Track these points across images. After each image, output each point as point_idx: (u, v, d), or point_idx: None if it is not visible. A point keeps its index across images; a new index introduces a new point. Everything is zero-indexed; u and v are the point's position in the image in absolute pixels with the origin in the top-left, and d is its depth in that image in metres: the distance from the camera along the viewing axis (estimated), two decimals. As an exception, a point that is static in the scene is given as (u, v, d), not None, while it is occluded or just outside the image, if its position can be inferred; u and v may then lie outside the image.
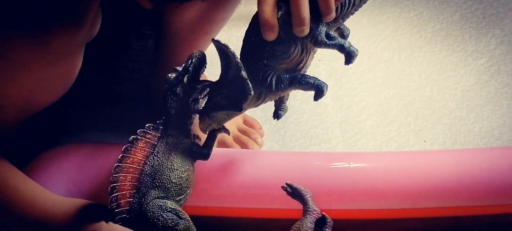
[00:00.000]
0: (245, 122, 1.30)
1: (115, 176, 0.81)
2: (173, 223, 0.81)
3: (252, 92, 0.82)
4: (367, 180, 0.95)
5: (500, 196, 0.96)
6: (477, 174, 0.96)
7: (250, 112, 1.33)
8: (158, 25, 1.11)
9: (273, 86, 0.85)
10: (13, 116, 0.91)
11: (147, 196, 0.81)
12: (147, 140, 0.84)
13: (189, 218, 0.82)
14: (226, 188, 0.92)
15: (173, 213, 0.81)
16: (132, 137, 0.83)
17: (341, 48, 0.85)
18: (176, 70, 0.87)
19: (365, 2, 0.88)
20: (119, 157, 0.82)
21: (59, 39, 0.82)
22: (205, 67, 0.88)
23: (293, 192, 0.84)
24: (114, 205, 0.81)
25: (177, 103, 0.85)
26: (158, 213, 0.81)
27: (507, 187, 0.96)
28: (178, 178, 0.82)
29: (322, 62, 1.49)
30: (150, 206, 0.81)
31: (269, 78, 0.84)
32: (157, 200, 0.81)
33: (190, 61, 0.86)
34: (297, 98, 1.41)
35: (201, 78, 0.89)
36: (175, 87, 0.86)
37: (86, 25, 0.84)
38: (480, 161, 0.99)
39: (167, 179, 0.82)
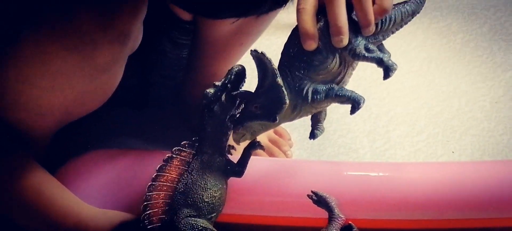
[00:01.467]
0: (276, 132, 1.31)
1: (149, 195, 0.82)
2: None
3: (287, 101, 0.82)
4: (395, 190, 0.96)
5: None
6: (506, 186, 0.96)
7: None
8: (194, 35, 1.11)
9: (309, 98, 0.84)
10: (50, 125, 0.92)
11: (179, 214, 0.82)
12: (182, 157, 0.83)
13: None
14: (252, 196, 0.93)
15: None
16: (167, 155, 0.83)
17: (380, 61, 0.84)
18: (215, 86, 0.85)
19: (406, 23, 0.87)
20: (154, 176, 0.83)
21: (103, 54, 0.82)
22: (244, 82, 0.87)
23: (319, 200, 0.85)
24: (146, 222, 0.81)
25: (213, 121, 0.84)
26: None
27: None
28: (210, 197, 0.82)
29: (350, 72, 1.50)
30: (182, 224, 0.82)
31: (305, 89, 0.84)
32: (189, 218, 0.82)
33: (229, 76, 0.85)
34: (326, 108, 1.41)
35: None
36: (213, 104, 0.85)
37: (130, 40, 0.84)
38: (509, 173, 0.99)
39: (200, 198, 0.82)
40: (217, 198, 0.83)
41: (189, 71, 1.20)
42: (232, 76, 0.85)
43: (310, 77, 0.84)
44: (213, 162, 0.84)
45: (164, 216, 0.82)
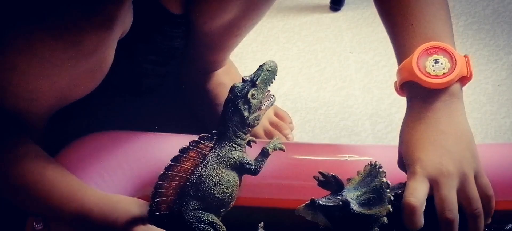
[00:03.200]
0: (276, 115, 1.31)
1: (160, 183, 0.81)
2: None
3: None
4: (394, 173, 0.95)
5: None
6: (509, 169, 0.96)
7: (280, 104, 1.33)
8: (186, 27, 1.11)
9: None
10: (45, 109, 0.92)
11: (188, 205, 0.81)
12: (198, 149, 0.82)
13: (225, 230, 0.83)
14: (252, 178, 0.92)
15: (210, 226, 0.81)
16: (183, 146, 0.81)
17: None
18: (243, 81, 0.82)
19: None
20: (167, 165, 0.81)
21: (89, 40, 0.82)
22: (275, 79, 0.84)
23: (326, 180, 0.84)
24: (154, 208, 0.81)
25: (237, 117, 0.82)
26: (196, 224, 0.81)
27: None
28: (222, 193, 0.81)
29: (352, 55, 1.49)
30: (189, 215, 0.81)
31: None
32: (198, 211, 0.81)
33: (259, 72, 0.82)
34: (328, 90, 1.41)
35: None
36: (238, 100, 0.82)
37: (117, 24, 0.84)
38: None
39: (211, 193, 0.81)
40: (228, 194, 0.82)
41: (187, 60, 1.19)
42: (262, 73, 0.82)
43: None
44: (230, 158, 0.82)
45: (173, 205, 0.81)
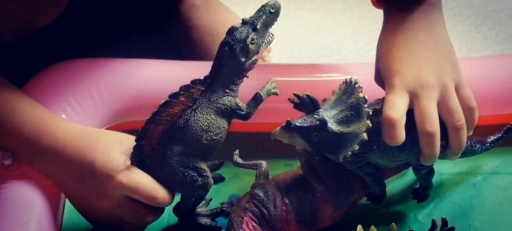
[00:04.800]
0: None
1: (146, 127, 0.77)
2: (191, 180, 0.78)
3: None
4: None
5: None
6: (494, 82, 0.93)
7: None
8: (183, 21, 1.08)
9: (348, 157, 0.77)
10: (9, 38, 0.88)
11: (173, 150, 0.77)
12: (189, 94, 0.77)
13: (209, 175, 0.79)
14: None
15: (194, 171, 0.78)
16: (174, 91, 0.76)
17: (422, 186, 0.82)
18: (243, 23, 0.76)
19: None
20: (155, 110, 0.76)
21: None
22: (277, 20, 0.77)
23: (302, 102, 0.80)
24: (137, 151, 0.77)
25: (233, 62, 0.76)
26: (179, 169, 0.77)
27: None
28: (209, 140, 0.77)
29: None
30: (173, 160, 0.77)
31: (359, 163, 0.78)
32: (182, 156, 0.78)
33: (261, 14, 0.76)
34: (306, 8, 1.38)
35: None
36: (236, 45, 0.76)
37: None
38: (497, 68, 0.96)
39: (198, 139, 0.76)
40: (216, 141, 0.78)
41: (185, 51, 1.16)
42: (263, 15, 0.76)
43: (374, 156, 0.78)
44: (222, 103, 0.77)
45: (158, 146, 0.78)
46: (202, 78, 0.78)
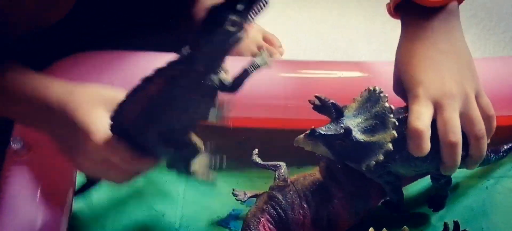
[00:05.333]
0: (265, 39, 1.26)
1: (124, 101, 0.76)
2: (174, 151, 0.78)
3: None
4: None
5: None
6: (508, 84, 0.93)
7: (269, 28, 1.30)
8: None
9: (372, 166, 0.76)
10: (22, 29, 0.89)
11: (154, 125, 0.76)
12: (169, 73, 0.74)
13: (195, 143, 0.78)
14: (249, 99, 0.88)
15: (176, 143, 0.78)
16: (154, 69, 0.74)
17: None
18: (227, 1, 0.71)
19: None
20: (135, 86, 0.75)
21: None
22: (264, 5, 0.73)
23: (323, 105, 0.79)
24: (115, 122, 0.76)
25: (216, 39, 0.72)
26: (159, 143, 0.77)
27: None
28: (189, 119, 0.76)
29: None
30: (150, 136, 0.77)
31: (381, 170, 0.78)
32: (162, 133, 0.77)
33: None
34: (319, 9, 1.38)
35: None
36: (222, 22, 0.71)
37: None
38: (510, 70, 0.96)
39: (176, 119, 0.76)
40: (195, 120, 0.76)
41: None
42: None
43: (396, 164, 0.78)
44: (203, 81, 0.74)
45: (138, 118, 0.77)
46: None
